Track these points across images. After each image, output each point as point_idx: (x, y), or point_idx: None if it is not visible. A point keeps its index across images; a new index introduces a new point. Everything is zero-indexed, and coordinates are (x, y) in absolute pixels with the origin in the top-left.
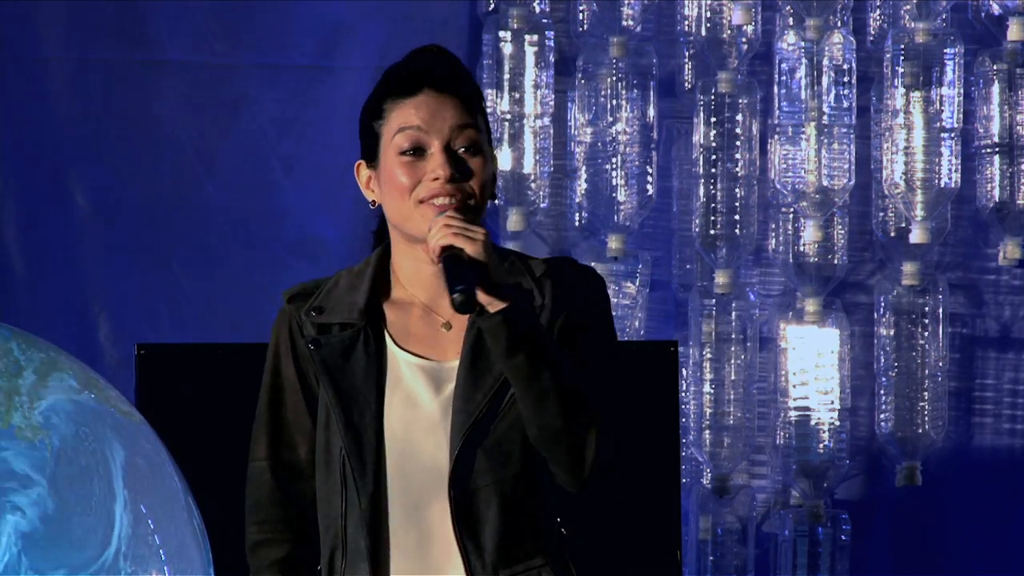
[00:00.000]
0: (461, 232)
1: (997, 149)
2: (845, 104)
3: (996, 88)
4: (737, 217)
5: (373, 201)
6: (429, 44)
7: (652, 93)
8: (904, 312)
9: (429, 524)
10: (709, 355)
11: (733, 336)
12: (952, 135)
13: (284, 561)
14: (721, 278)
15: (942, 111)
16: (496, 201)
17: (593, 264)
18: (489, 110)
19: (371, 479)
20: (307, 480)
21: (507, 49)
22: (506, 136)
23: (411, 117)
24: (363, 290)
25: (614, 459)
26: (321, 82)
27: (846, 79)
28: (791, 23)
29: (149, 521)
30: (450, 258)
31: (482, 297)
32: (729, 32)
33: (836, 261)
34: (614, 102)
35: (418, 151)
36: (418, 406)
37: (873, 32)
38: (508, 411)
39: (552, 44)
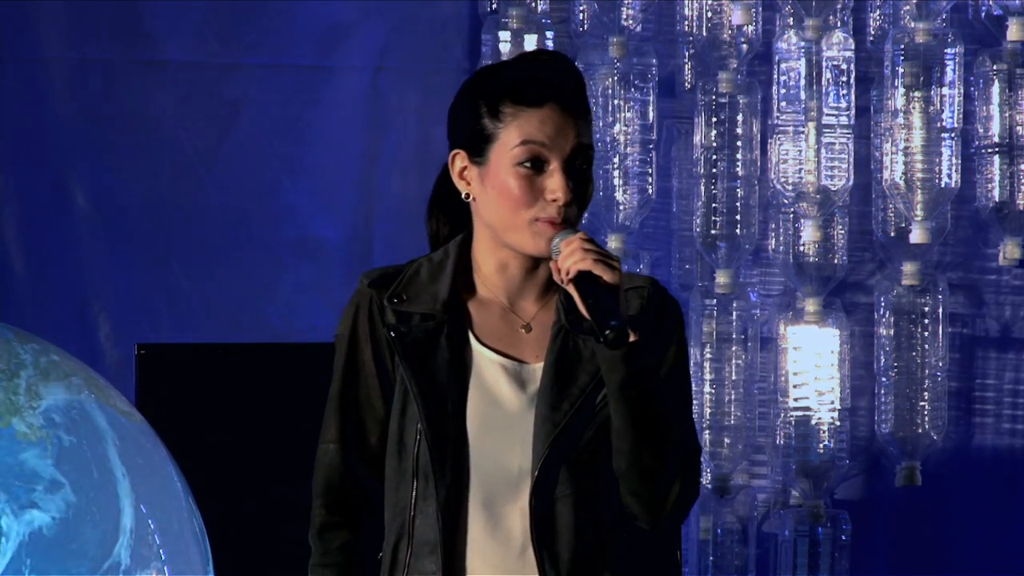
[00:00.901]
0: (602, 260)
1: (997, 149)
2: (845, 104)
3: (996, 88)
4: (737, 217)
5: (467, 194)
6: (549, 51)
7: (652, 93)
8: (904, 312)
9: (506, 526)
10: (709, 355)
11: (733, 336)
12: (952, 135)
13: (349, 545)
14: (721, 278)
15: (942, 111)
16: None
17: None
18: None
19: (450, 471)
20: (375, 466)
21: (507, 49)
22: None
23: (536, 131)
24: (445, 282)
25: (691, 503)
26: (321, 82)
27: (846, 79)
28: (791, 23)
29: (149, 521)
30: (589, 284)
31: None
32: (729, 32)
33: (836, 261)
34: (614, 102)
35: (539, 165)
36: (499, 405)
37: (873, 32)
38: (593, 423)
39: (552, 44)
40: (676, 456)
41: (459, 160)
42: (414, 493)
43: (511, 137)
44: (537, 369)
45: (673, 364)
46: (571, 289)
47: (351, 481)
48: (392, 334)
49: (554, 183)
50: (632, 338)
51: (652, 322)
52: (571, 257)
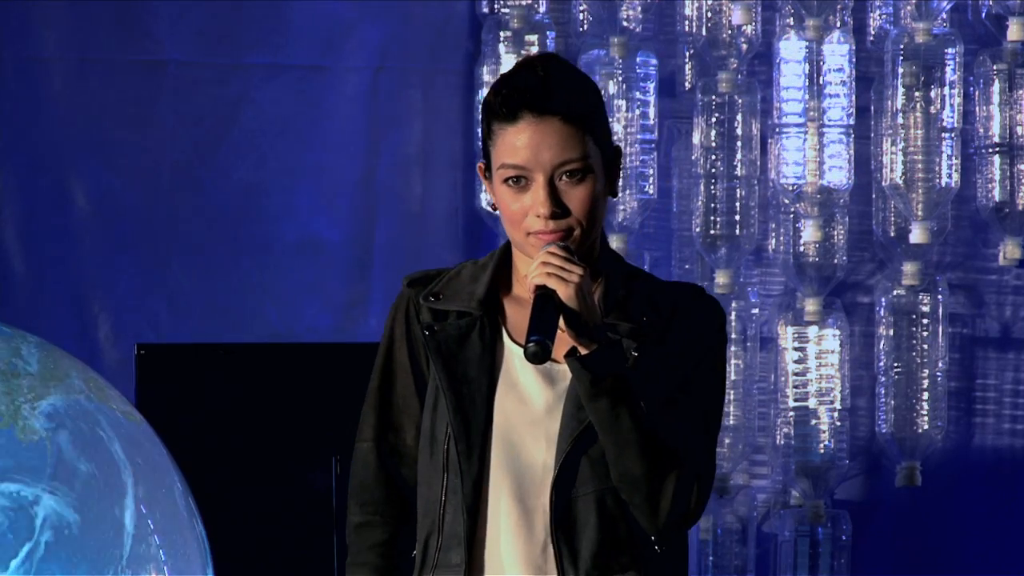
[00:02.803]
0: (556, 272)
1: (997, 149)
2: (845, 104)
3: (996, 88)
4: (737, 217)
5: (493, 204)
6: (539, 55)
7: (652, 93)
8: (904, 312)
9: (527, 520)
10: None
11: (733, 336)
12: (952, 135)
13: (386, 544)
14: (721, 278)
15: (942, 111)
16: (615, 196)
17: None
18: None
19: (476, 464)
20: (411, 465)
21: (507, 49)
22: None
23: (513, 153)
24: (484, 281)
25: (694, 507)
26: (321, 82)
27: (846, 79)
28: (791, 23)
29: (149, 521)
30: (539, 299)
31: (571, 338)
32: (729, 32)
33: (836, 261)
34: (614, 102)
35: (521, 181)
36: (527, 401)
37: (873, 32)
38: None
39: (552, 44)
40: (665, 467)
41: (483, 171)
42: (444, 487)
43: (498, 156)
44: (567, 368)
45: (698, 373)
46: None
47: (386, 480)
48: (426, 332)
49: (534, 199)
50: (584, 347)
51: (682, 333)
52: (532, 271)
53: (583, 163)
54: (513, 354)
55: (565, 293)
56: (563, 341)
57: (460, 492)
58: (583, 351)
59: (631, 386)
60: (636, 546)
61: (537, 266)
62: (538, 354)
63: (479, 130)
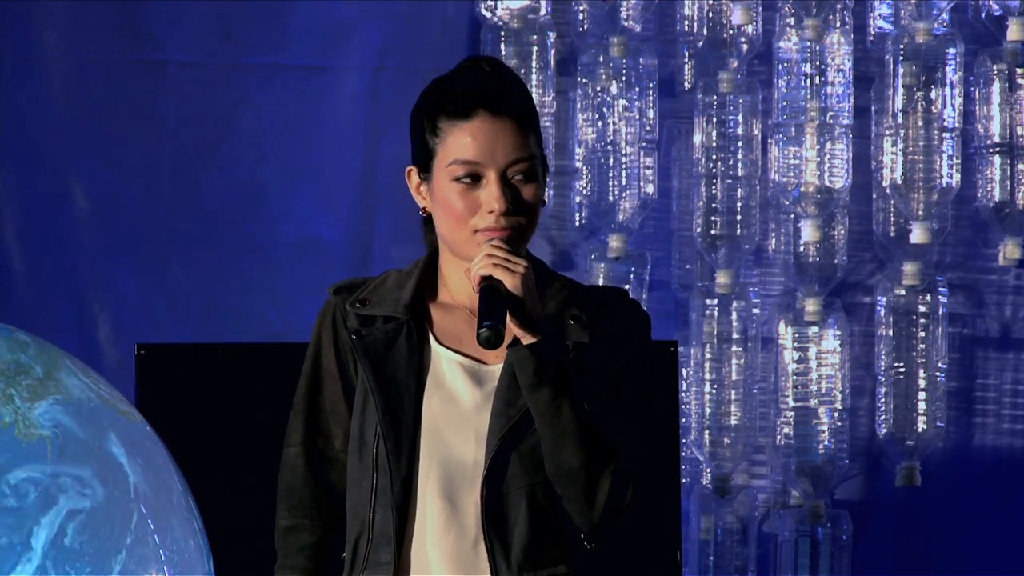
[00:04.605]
0: (502, 263)
1: (997, 149)
2: (845, 104)
3: (996, 88)
4: (737, 217)
5: (424, 208)
6: (482, 56)
7: (652, 93)
8: (904, 312)
9: (458, 518)
10: (709, 355)
11: (733, 336)
12: (952, 135)
13: (314, 547)
14: (722, 278)
15: (942, 111)
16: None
17: (592, 261)
18: None
19: (405, 464)
20: (339, 471)
21: (507, 49)
22: None
23: (467, 148)
24: (410, 287)
25: (628, 503)
26: (321, 82)
27: (846, 79)
28: (791, 23)
29: (149, 521)
30: (487, 289)
31: (515, 329)
32: (729, 32)
33: (836, 261)
34: (614, 102)
35: (474, 177)
36: (456, 402)
37: (873, 32)
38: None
39: (552, 44)
40: (601, 461)
41: (413, 176)
42: (374, 488)
43: (447, 154)
44: (496, 369)
45: (628, 371)
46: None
47: (314, 484)
48: (353, 336)
49: (489, 194)
50: (526, 338)
51: (609, 331)
52: (476, 263)
53: (532, 163)
54: (441, 357)
55: (512, 283)
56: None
57: (390, 492)
58: (526, 341)
59: (572, 377)
60: (566, 540)
61: (482, 258)
62: (491, 338)
63: (411, 129)
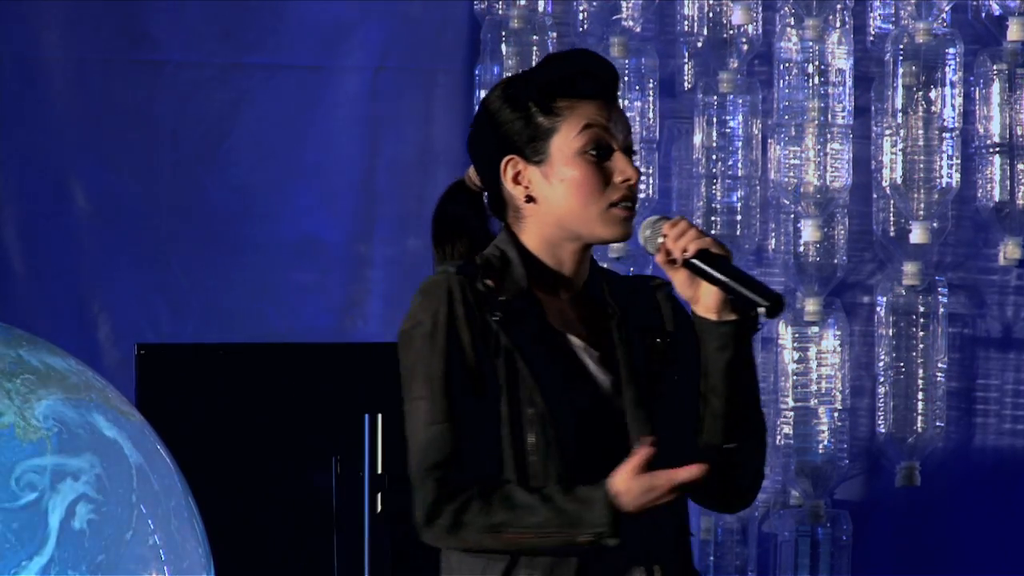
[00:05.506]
0: (699, 237)
1: (997, 149)
2: (845, 104)
3: (996, 88)
4: (737, 217)
5: (529, 197)
6: (583, 49)
7: (652, 93)
8: (904, 312)
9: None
10: None
11: None
12: (952, 135)
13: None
14: None
15: (942, 111)
16: None
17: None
18: None
19: (558, 451)
20: (476, 447)
21: (507, 49)
22: None
23: (597, 116)
24: (521, 272)
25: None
26: (321, 82)
27: (846, 79)
28: (791, 23)
29: (149, 521)
30: (715, 261)
31: (718, 297)
32: (729, 32)
33: (836, 261)
34: None
35: (603, 151)
36: (597, 387)
37: (873, 32)
38: (674, 407)
39: (552, 44)
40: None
41: (512, 166)
42: (525, 472)
43: (572, 126)
44: (608, 355)
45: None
46: (683, 270)
47: (461, 461)
48: (495, 318)
49: (621, 164)
50: (726, 313)
51: (678, 312)
52: (684, 238)
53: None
54: (569, 341)
55: (721, 250)
56: (591, 329)
57: (545, 478)
58: (729, 312)
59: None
60: (688, 533)
61: (684, 232)
62: (781, 304)
63: (500, 121)
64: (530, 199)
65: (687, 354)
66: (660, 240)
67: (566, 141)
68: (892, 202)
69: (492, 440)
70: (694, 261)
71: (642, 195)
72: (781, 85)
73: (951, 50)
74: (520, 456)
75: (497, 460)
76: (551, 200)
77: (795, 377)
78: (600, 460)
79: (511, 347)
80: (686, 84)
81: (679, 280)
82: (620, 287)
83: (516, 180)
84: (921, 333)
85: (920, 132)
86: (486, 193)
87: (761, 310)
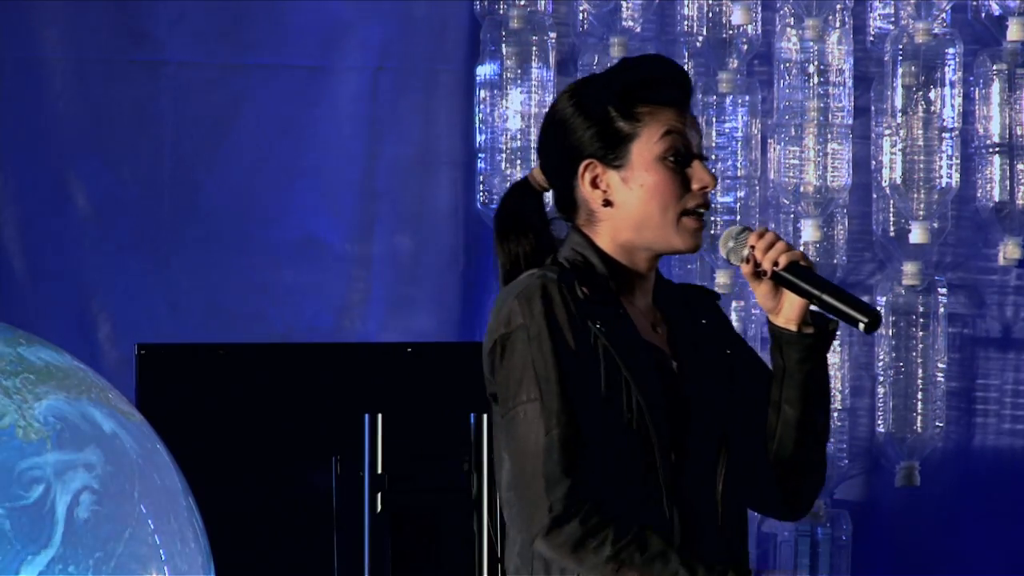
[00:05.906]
0: (800, 252)
1: (997, 149)
2: (845, 104)
3: (996, 88)
4: (737, 217)
5: (606, 201)
6: (659, 56)
7: None
8: (904, 312)
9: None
10: None
11: None
12: (952, 135)
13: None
14: (721, 278)
15: (942, 111)
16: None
17: None
18: (489, 110)
19: (665, 455)
20: (593, 453)
21: (507, 49)
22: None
23: (676, 122)
24: (607, 277)
25: None
26: (321, 82)
27: (846, 79)
28: (791, 23)
29: (149, 521)
30: (805, 274)
31: (799, 307)
32: (729, 32)
33: (836, 261)
34: None
35: (682, 158)
36: (684, 396)
37: (873, 32)
38: (747, 417)
39: (552, 44)
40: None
41: (590, 170)
42: (645, 482)
43: (653, 132)
44: (677, 363)
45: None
46: (767, 282)
47: (585, 470)
48: (598, 324)
49: (700, 171)
50: (806, 326)
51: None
52: (773, 250)
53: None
54: (655, 349)
55: (807, 263)
56: (664, 336)
57: (659, 485)
58: (808, 324)
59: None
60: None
61: (772, 244)
62: (879, 320)
63: (576, 126)
64: (607, 203)
65: (750, 364)
66: (746, 252)
67: (647, 146)
68: (892, 202)
69: (606, 446)
70: (785, 274)
71: None
72: (781, 85)
73: (951, 50)
74: (620, 462)
75: (612, 467)
76: (629, 204)
77: None
78: (690, 467)
79: (613, 354)
80: None
81: (762, 291)
82: (679, 295)
83: (594, 184)
84: (921, 333)
85: (920, 132)
86: (548, 192)
87: (860, 326)
